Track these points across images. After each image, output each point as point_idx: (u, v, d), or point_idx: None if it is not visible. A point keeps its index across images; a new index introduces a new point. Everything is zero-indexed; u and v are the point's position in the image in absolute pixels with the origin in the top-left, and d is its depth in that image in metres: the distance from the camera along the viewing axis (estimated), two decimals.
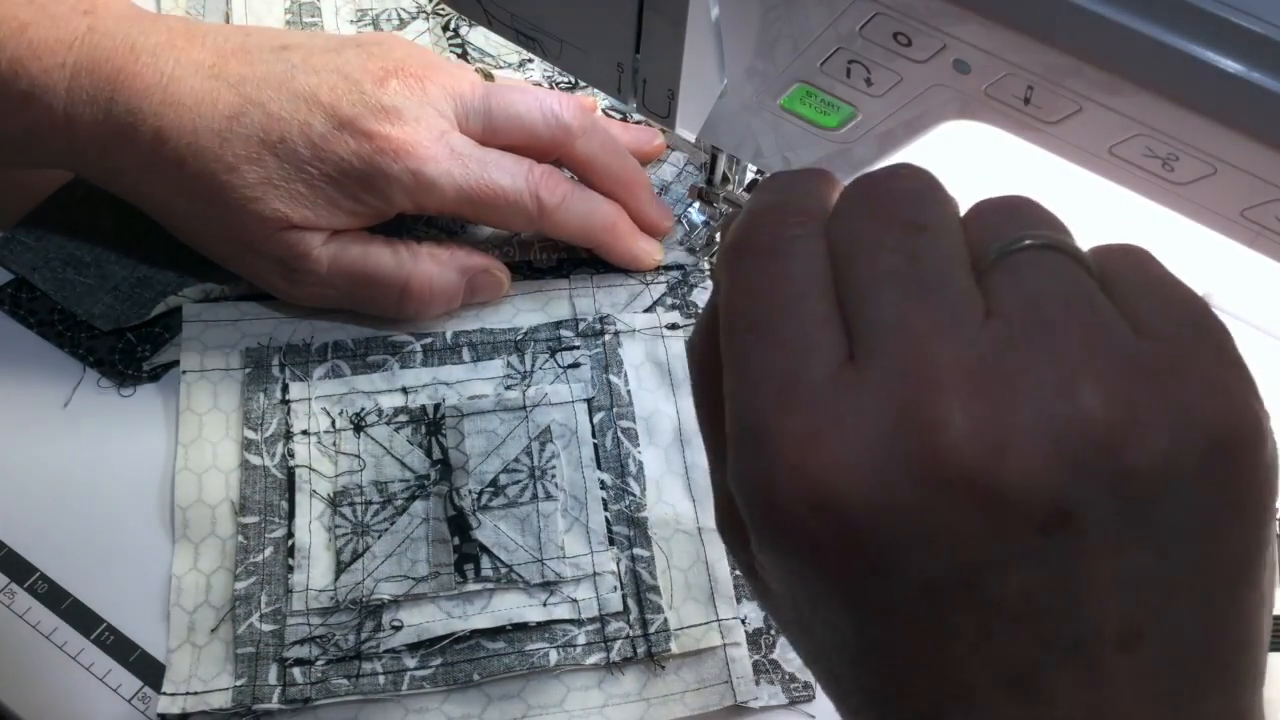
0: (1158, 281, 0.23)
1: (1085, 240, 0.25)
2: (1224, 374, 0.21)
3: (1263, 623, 0.22)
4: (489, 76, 0.49)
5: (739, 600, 0.42)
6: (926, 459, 0.20)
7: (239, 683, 0.39)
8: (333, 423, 0.45)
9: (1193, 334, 0.22)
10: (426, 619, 0.41)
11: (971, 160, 0.55)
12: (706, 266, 0.51)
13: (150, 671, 0.40)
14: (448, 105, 0.45)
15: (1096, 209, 0.52)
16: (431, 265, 0.46)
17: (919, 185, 0.24)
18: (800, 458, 0.21)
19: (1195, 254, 0.52)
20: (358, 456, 0.44)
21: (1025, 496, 0.20)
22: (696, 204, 0.52)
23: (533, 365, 0.47)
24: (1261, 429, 0.21)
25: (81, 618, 0.41)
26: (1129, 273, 0.23)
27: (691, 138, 0.45)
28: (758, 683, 0.41)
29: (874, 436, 0.21)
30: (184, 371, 0.46)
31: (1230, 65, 0.28)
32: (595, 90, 0.55)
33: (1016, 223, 0.23)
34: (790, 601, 0.24)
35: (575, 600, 0.42)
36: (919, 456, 0.20)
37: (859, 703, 0.24)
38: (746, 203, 0.25)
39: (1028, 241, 0.23)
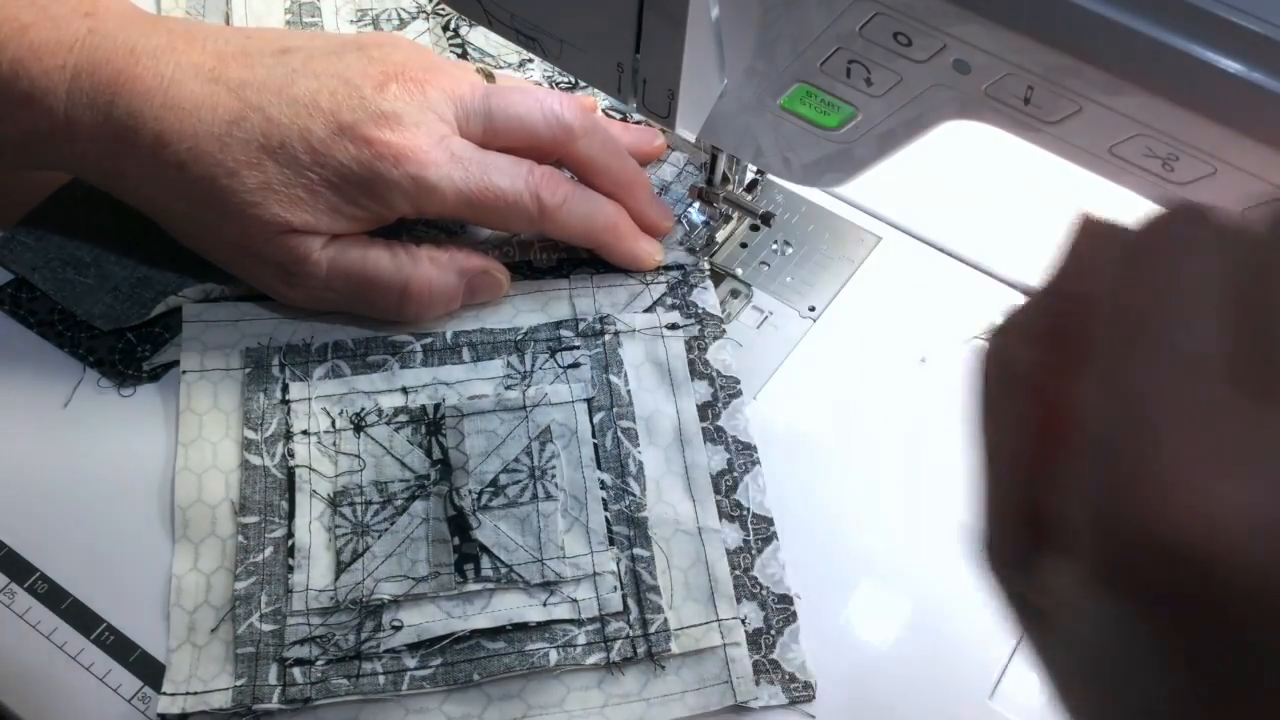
0: None
1: None
2: None
3: None
4: (489, 77, 0.49)
5: (739, 600, 0.42)
6: None
7: (239, 683, 0.39)
8: (333, 423, 0.45)
9: None
10: (426, 619, 0.41)
11: (971, 160, 0.56)
12: (707, 266, 0.51)
13: (150, 671, 0.40)
14: (448, 109, 0.45)
15: (1096, 209, 0.52)
16: (431, 268, 0.46)
17: None
18: (1188, 494, 0.18)
19: None
20: (358, 456, 0.44)
21: None
22: (696, 204, 0.52)
23: (533, 365, 0.47)
24: None
25: (81, 618, 0.41)
26: None
27: (691, 138, 0.45)
28: (758, 683, 0.41)
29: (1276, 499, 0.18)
30: (184, 371, 0.46)
31: (1230, 65, 0.28)
32: (595, 90, 0.55)
33: None
34: (1091, 647, 0.21)
35: (575, 600, 0.42)
36: None
37: None
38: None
39: None
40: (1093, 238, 0.23)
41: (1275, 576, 0.18)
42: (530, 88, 0.49)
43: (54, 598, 0.42)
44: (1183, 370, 0.19)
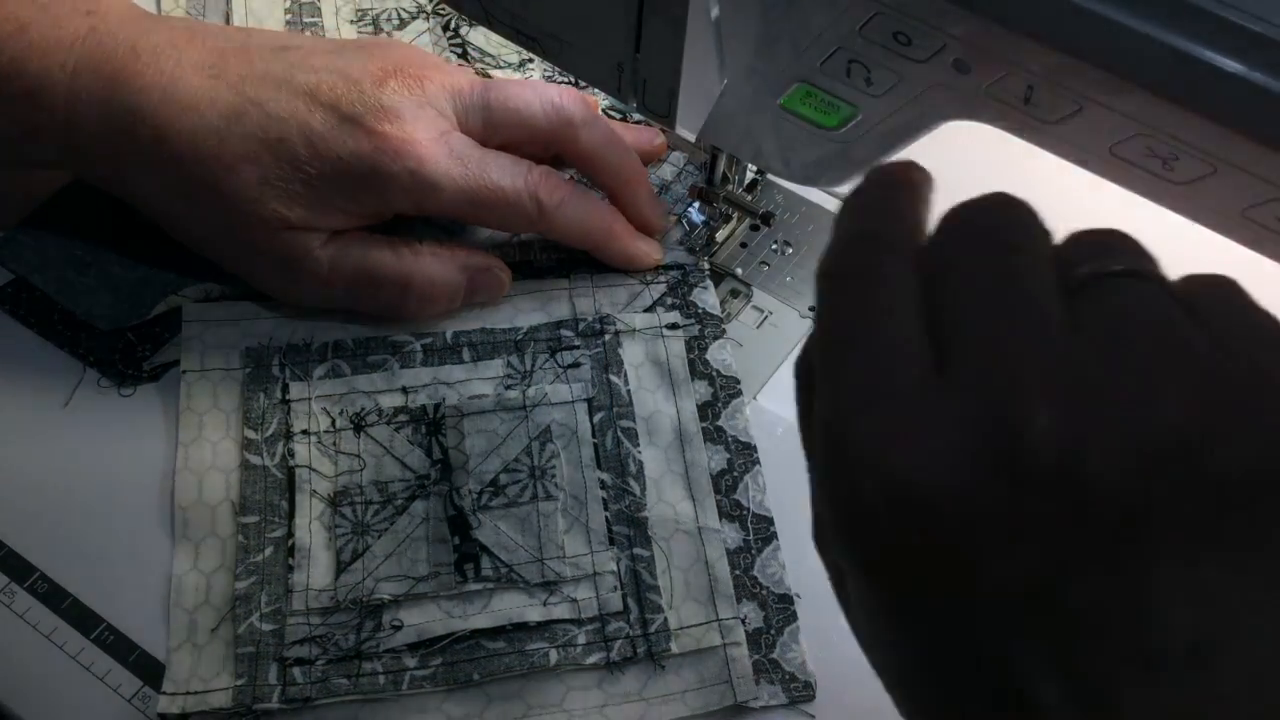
0: (1241, 309, 0.24)
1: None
2: None
3: None
4: (489, 78, 0.49)
5: (739, 600, 0.42)
6: (1011, 457, 0.21)
7: (239, 682, 0.39)
8: (333, 422, 0.45)
9: (1276, 355, 0.22)
10: (426, 619, 0.41)
11: (971, 160, 0.56)
12: (707, 266, 0.51)
13: (150, 671, 0.40)
14: (447, 104, 0.45)
15: (1096, 208, 0.52)
16: (433, 264, 0.46)
17: (1015, 212, 0.25)
18: (881, 456, 0.22)
19: (1195, 254, 0.52)
20: (358, 456, 0.44)
21: (1102, 496, 0.20)
22: (696, 204, 0.52)
23: (533, 365, 0.47)
24: None
25: (81, 618, 0.41)
26: (1215, 301, 0.24)
27: (691, 138, 0.45)
28: (758, 682, 0.41)
29: (958, 436, 0.21)
30: (184, 371, 0.46)
31: (1230, 65, 0.28)
32: (595, 90, 0.55)
33: (1105, 251, 0.24)
34: (868, 612, 0.25)
35: (575, 600, 0.42)
36: (1003, 454, 0.21)
37: None
38: (839, 227, 0.26)
39: (1115, 267, 0.23)
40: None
41: (972, 512, 0.21)
42: (530, 80, 0.49)
43: (54, 598, 0.42)
44: (876, 366, 0.23)
